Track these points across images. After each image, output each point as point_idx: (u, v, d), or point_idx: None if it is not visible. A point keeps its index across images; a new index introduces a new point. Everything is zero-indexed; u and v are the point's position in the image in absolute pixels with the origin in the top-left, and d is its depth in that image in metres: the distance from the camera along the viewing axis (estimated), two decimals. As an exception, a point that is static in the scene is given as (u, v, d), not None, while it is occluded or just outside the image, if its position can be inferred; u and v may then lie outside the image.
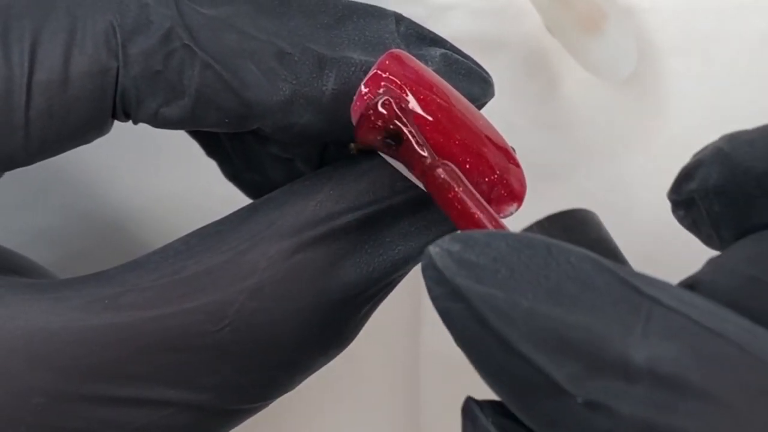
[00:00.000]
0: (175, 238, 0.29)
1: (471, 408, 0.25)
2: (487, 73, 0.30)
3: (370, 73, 0.27)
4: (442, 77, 0.28)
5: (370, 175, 0.29)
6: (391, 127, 0.27)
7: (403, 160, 0.27)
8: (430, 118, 0.27)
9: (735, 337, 0.22)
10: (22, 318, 0.27)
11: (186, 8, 0.28)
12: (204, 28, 0.28)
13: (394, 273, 0.29)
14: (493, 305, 0.22)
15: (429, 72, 0.28)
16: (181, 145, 0.34)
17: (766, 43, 0.40)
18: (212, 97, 0.28)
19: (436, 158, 0.27)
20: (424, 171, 0.26)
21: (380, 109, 0.27)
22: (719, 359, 0.22)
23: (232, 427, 0.29)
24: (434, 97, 0.27)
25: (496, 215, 0.26)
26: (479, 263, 0.23)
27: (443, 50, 0.29)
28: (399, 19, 0.29)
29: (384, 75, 0.27)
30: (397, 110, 0.27)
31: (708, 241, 0.29)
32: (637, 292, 0.22)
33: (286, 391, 0.30)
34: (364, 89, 0.27)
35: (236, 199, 0.32)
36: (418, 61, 0.28)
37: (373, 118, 0.27)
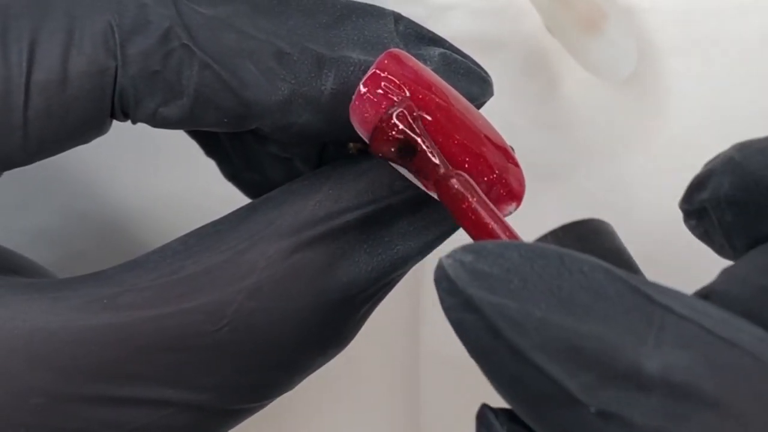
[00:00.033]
0: (173, 237, 0.29)
1: (486, 415, 0.25)
2: (486, 72, 0.30)
3: (369, 73, 0.27)
4: (441, 77, 0.28)
5: (369, 175, 0.29)
6: (406, 138, 0.27)
7: (415, 170, 0.27)
8: (429, 118, 0.27)
9: (749, 347, 0.22)
10: (22, 318, 0.27)
11: (185, 8, 0.28)
12: (203, 27, 0.28)
13: (393, 273, 0.29)
14: (506, 315, 0.22)
15: (428, 71, 0.28)
16: (181, 144, 0.34)
17: (766, 43, 0.40)
18: (211, 96, 0.28)
19: (450, 168, 0.26)
20: (438, 181, 0.26)
21: (395, 120, 0.27)
22: (733, 368, 0.22)
23: (232, 427, 0.29)
24: (433, 96, 0.27)
25: (509, 225, 0.26)
26: (492, 273, 0.23)
27: (442, 50, 0.29)
28: (398, 18, 0.29)
29: (383, 74, 0.27)
30: (411, 121, 0.27)
31: (721, 251, 0.29)
32: (650, 301, 0.22)
33: (285, 391, 0.30)
34: (362, 89, 0.27)
35: (235, 198, 0.32)
36: (416, 60, 0.28)
37: (387, 130, 0.27)
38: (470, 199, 0.26)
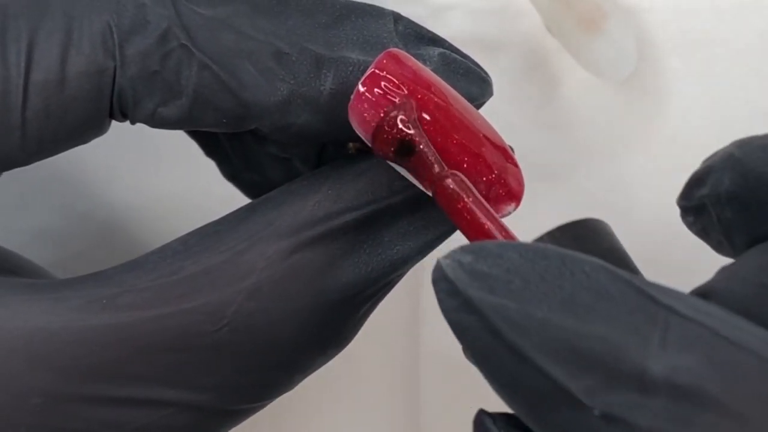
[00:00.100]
0: (173, 238, 0.29)
1: (483, 420, 0.25)
2: (485, 72, 0.30)
3: (368, 73, 0.27)
4: (441, 77, 0.28)
5: (368, 175, 0.29)
6: (405, 138, 0.27)
7: (413, 169, 0.27)
8: (428, 118, 0.27)
9: (753, 348, 0.22)
10: (22, 318, 0.27)
11: (183, 8, 0.28)
12: (201, 28, 0.28)
13: (392, 273, 0.29)
14: (507, 316, 0.22)
15: (427, 71, 0.28)
16: (180, 145, 0.34)
17: (766, 43, 0.40)
18: (210, 97, 0.28)
19: (446, 168, 0.26)
20: (434, 181, 0.26)
21: (394, 120, 0.27)
22: (738, 370, 0.21)
23: (232, 427, 0.29)
24: (432, 96, 0.27)
25: (505, 226, 0.26)
26: (492, 274, 0.23)
27: (441, 50, 0.29)
28: (397, 18, 0.29)
29: (382, 74, 0.27)
30: (410, 121, 0.27)
31: (718, 248, 0.29)
32: (653, 302, 0.22)
33: (285, 391, 0.30)
34: (361, 88, 0.27)
35: (235, 198, 0.32)
36: (416, 60, 0.28)
37: (387, 129, 0.27)
38: (466, 199, 0.26)
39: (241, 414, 0.29)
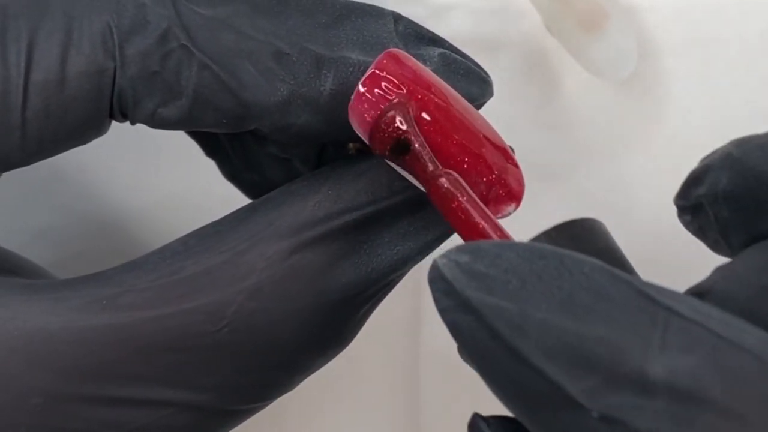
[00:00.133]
0: (173, 238, 0.29)
1: (478, 424, 0.25)
2: (485, 72, 0.30)
3: (368, 73, 0.27)
4: (441, 77, 0.28)
5: (368, 175, 0.29)
6: (400, 136, 0.27)
7: (408, 168, 0.27)
8: (428, 118, 0.27)
9: (753, 349, 0.22)
10: (21, 318, 0.27)
11: (183, 8, 0.28)
12: (201, 28, 0.28)
13: (392, 273, 0.29)
14: (505, 317, 0.22)
15: (427, 72, 0.28)
16: (181, 145, 0.34)
17: (766, 43, 0.40)
18: (210, 97, 0.28)
19: (439, 167, 0.26)
20: (427, 180, 0.26)
21: (390, 118, 0.27)
22: (738, 372, 0.21)
23: (232, 427, 0.29)
24: (432, 96, 0.27)
25: (500, 225, 0.26)
26: (489, 274, 0.22)
27: (442, 50, 0.29)
28: (397, 18, 0.29)
29: (382, 74, 0.27)
30: (405, 119, 0.27)
31: (715, 247, 0.29)
32: (653, 303, 0.22)
33: (285, 392, 0.30)
34: (361, 88, 0.27)
35: (235, 199, 0.32)
36: (416, 60, 0.28)
37: (383, 128, 0.27)
38: (460, 198, 0.26)
39: (241, 414, 0.29)
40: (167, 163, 0.40)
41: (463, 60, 0.29)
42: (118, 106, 0.28)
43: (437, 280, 0.23)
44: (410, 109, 0.27)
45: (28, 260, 0.32)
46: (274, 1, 0.29)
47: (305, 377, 0.30)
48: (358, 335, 0.30)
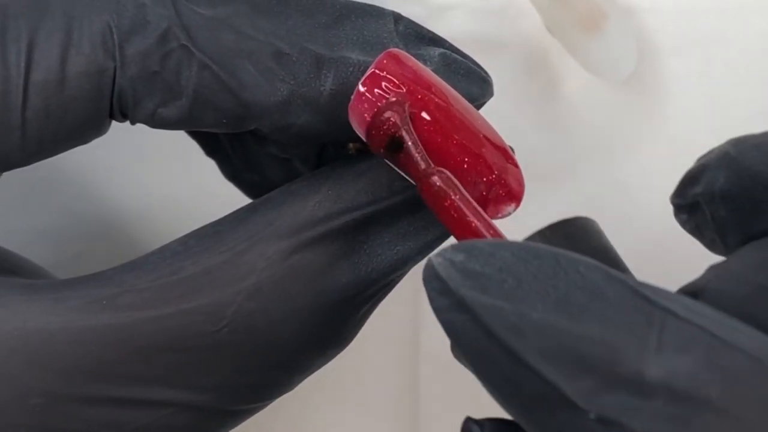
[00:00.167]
0: (173, 238, 0.29)
1: (470, 428, 0.25)
2: (486, 72, 0.30)
3: (368, 73, 0.27)
4: (441, 77, 0.28)
5: (368, 176, 0.29)
6: (394, 133, 0.27)
7: (401, 166, 0.27)
8: (428, 118, 0.27)
9: (750, 350, 0.22)
10: (21, 318, 0.27)
11: (183, 8, 0.28)
12: (201, 28, 0.28)
13: (392, 273, 0.29)
14: (501, 317, 0.22)
15: (427, 72, 0.28)
16: (181, 145, 0.34)
17: (766, 43, 0.40)
18: (210, 97, 0.28)
19: (432, 165, 0.26)
20: (419, 178, 0.26)
21: (384, 116, 0.27)
22: (735, 373, 0.21)
23: (232, 428, 0.29)
24: (432, 96, 0.27)
25: (493, 224, 0.26)
26: (484, 273, 0.22)
27: (442, 50, 0.29)
28: (397, 18, 0.29)
29: (382, 74, 0.27)
30: (400, 117, 0.27)
31: (711, 246, 0.29)
32: (649, 303, 0.22)
33: (285, 392, 0.30)
34: (361, 88, 0.27)
35: (235, 199, 0.32)
36: (416, 60, 0.28)
37: (379, 125, 0.27)
38: (452, 197, 0.26)
39: (241, 414, 0.29)
40: (167, 163, 0.40)
41: (464, 60, 0.29)
42: (118, 106, 0.28)
43: (432, 279, 0.23)
44: (406, 108, 0.27)
45: (28, 260, 0.32)
46: (274, 1, 0.29)
47: (305, 377, 0.30)
48: (358, 335, 0.30)
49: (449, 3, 0.40)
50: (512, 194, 0.28)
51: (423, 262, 0.29)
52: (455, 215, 0.26)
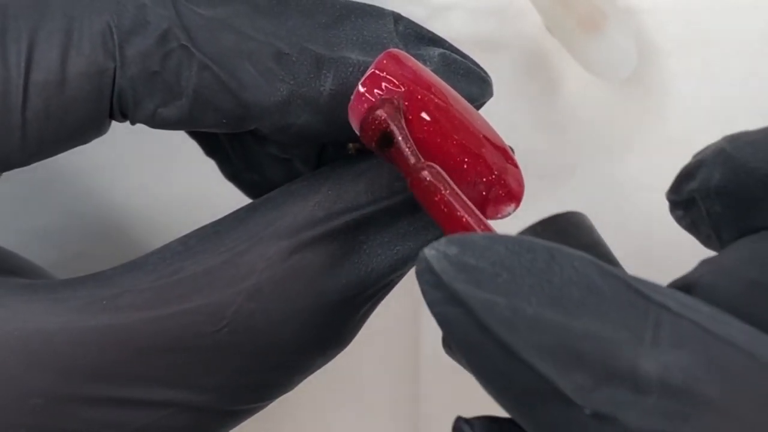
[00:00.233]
0: (173, 238, 0.29)
1: (461, 428, 0.25)
2: (485, 73, 0.30)
3: (368, 73, 0.27)
4: (441, 77, 0.28)
5: (368, 176, 0.29)
6: (384, 128, 0.27)
7: (392, 161, 0.27)
8: (428, 119, 0.27)
9: (743, 344, 0.22)
10: (20, 319, 0.27)
11: (183, 9, 0.28)
12: (202, 28, 0.28)
13: (392, 273, 0.29)
14: (495, 311, 0.22)
15: (427, 72, 0.28)
16: (181, 145, 0.34)
17: (766, 43, 0.40)
18: (210, 98, 0.28)
19: (422, 160, 0.26)
20: (409, 173, 0.26)
21: (377, 112, 0.27)
22: (730, 368, 0.21)
23: (232, 428, 0.29)
24: (432, 97, 0.27)
25: (484, 219, 0.25)
26: (478, 267, 0.22)
27: (442, 50, 0.29)
28: (397, 18, 0.29)
29: (382, 75, 0.27)
30: (391, 112, 0.27)
31: (707, 242, 0.29)
32: (644, 298, 0.22)
33: (285, 392, 0.30)
34: (361, 89, 0.27)
35: (235, 199, 0.32)
36: (416, 60, 0.28)
37: (371, 121, 0.27)
38: (442, 191, 0.26)
39: (241, 414, 0.29)
40: (167, 163, 0.40)
41: (463, 60, 0.29)
42: (119, 107, 0.28)
43: (425, 272, 0.23)
44: (398, 104, 0.27)
45: (28, 260, 0.32)
46: (274, 2, 0.29)
47: (305, 377, 0.30)
48: (358, 335, 0.30)
49: (449, 3, 0.40)
50: (512, 194, 0.28)
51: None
52: (445, 210, 0.25)
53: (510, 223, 0.28)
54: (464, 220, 0.25)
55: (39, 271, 0.32)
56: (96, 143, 0.29)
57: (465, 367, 0.24)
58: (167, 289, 0.27)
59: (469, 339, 0.22)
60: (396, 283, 0.30)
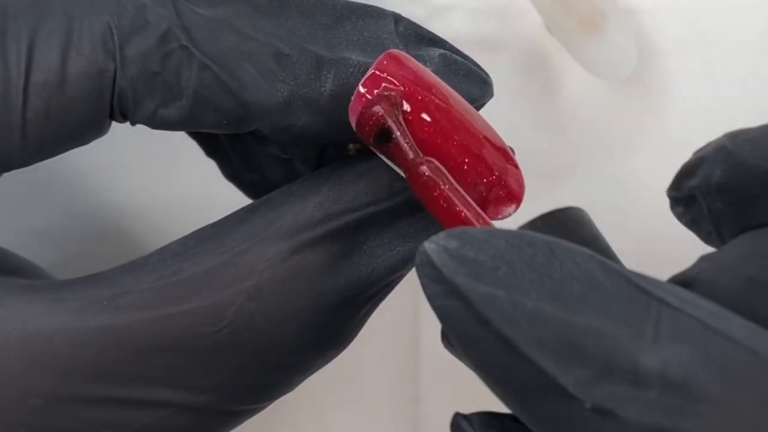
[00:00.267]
0: (173, 239, 0.29)
1: (459, 424, 0.25)
2: (486, 73, 0.30)
3: (368, 74, 0.27)
4: (441, 78, 0.28)
5: (369, 176, 0.29)
6: (382, 124, 0.27)
7: (391, 158, 0.27)
8: (429, 119, 0.27)
9: (743, 341, 0.22)
10: (20, 319, 0.27)
11: (184, 9, 0.28)
12: (202, 29, 0.28)
13: (392, 274, 0.29)
14: (495, 305, 0.22)
15: (427, 72, 0.28)
16: (180, 145, 0.34)
17: (766, 43, 0.40)
18: (210, 98, 0.28)
19: (421, 156, 0.26)
20: (408, 168, 0.26)
21: (374, 108, 0.27)
22: (730, 363, 0.21)
23: (232, 428, 0.29)
24: (432, 97, 0.27)
25: (483, 213, 0.26)
26: (478, 260, 0.22)
27: (442, 51, 0.29)
28: (398, 19, 0.29)
29: (382, 75, 0.27)
30: (389, 108, 0.27)
31: (707, 239, 0.29)
32: (645, 294, 0.22)
33: (285, 392, 0.29)
34: (362, 89, 0.27)
35: (235, 199, 0.32)
36: (416, 61, 0.28)
37: (367, 117, 0.27)
38: (441, 186, 0.26)
39: (241, 415, 0.29)
40: (167, 163, 0.40)
41: (464, 61, 0.29)
42: (119, 107, 0.28)
43: (425, 266, 0.23)
44: (395, 100, 0.27)
45: (28, 260, 0.32)
46: (275, 2, 0.29)
47: (305, 378, 0.30)
48: (358, 335, 0.30)
49: (449, 3, 0.40)
50: (512, 195, 0.28)
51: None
52: (444, 205, 0.26)
53: (510, 223, 0.28)
54: (463, 215, 0.25)
55: (39, 271, 0.32)
56: (96, 143, 0.29)
57: (464, 362, 0.24)
58: (167, 289, 0.27)
59: (469, 333, 0.22)
60: (396, 283, 0.30)
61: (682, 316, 0.22)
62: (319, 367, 0.30)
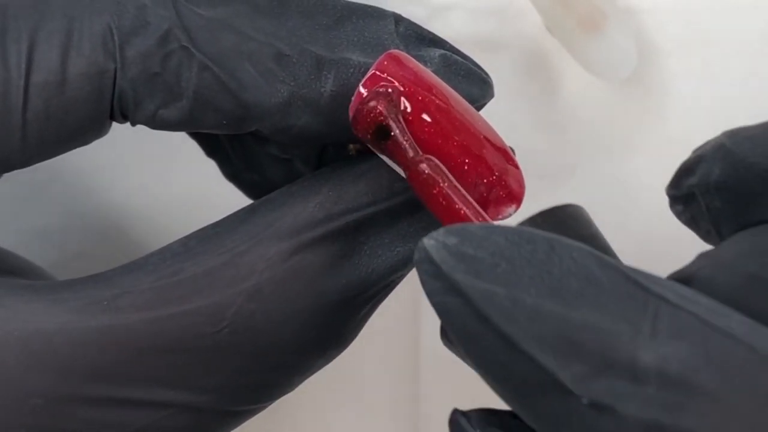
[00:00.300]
0: (173, 239, 0.29)
1: (458, 420, 0.25)
2: (486, 74, 0.30)
3: (369, 74, 0.27)
4: (441, 78, 0.28)
5: (369, 177, 0.29)
6: (381, 121, 0.27)
7: (390, 156, 0.27)
8: (429, 120, 0.27)
9: (742, 337, 0.22)
10: (20, 319, 0.27)
11: (184, 9, 0.28)
12: (202, 29, 0.28)
13: (393, 274, 0.29)
14: (494, 302, 0.22)
15: (428, 73, 0.28)
16: (180, 145, 0.34)
17: (766, 43, 0.40)
18: (210, 99, 0.28)
19: (420, 153, 0.26)
20: (408, 166, 0.26)
21: (371, 104, 0.27)
22: (728, 359, 0.22)
23: (232, 428, 0.29)
24: (433, 98, 0.27)
25: (482, 211, 0.26)
26: (477, 257, 0.22)
27: (442, 51, 0.29)
28: (398, 19, 0.29)
29: (382, 76, 0.27)
30: (387, 105, 0.27)
31: (707, 237, 0.29)
32: (643, 290, 0.22)
33: (285, 393, 0.29)
34: (362, 90, 0.27)
35: (235, 199, 0.32)
36: (416, 62, 0.28)
37: (364, 114, 0.27)
38: (441, 184, 0.26)
39: (241, 415, 0.29)
40: (167, 163, 0.40)
41: (464, 61, 0.29)
42: (119, 108, 0.28)
43: (424, 262, 0.23)
44: (393, 97, 0.27)
45: (28, 261, 0.32)
46: (275, 2, 0.29)
47: (305, 378, 0.30)
48: (359, 335, 0.30)
49: (449, 3, 0.40)
50: (513, 195, 0.28)
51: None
52: (444, 203, 0.26)
53: (510, 223, 0.28)
54: (463, 212, 0.25)
55: (39, 271, 0.32)
56: (96, 143, 0.29)
57: (464, 359, 0.24)
58: (167, 290, 0.27)
59: (469, 329, 0.22)
60: (396, 284, 0.30)
61: (681, 312, 0.22)
62: (320, 368, 0.30)
